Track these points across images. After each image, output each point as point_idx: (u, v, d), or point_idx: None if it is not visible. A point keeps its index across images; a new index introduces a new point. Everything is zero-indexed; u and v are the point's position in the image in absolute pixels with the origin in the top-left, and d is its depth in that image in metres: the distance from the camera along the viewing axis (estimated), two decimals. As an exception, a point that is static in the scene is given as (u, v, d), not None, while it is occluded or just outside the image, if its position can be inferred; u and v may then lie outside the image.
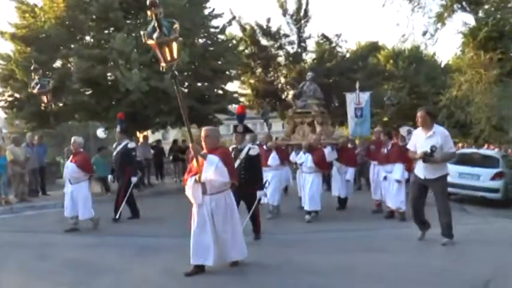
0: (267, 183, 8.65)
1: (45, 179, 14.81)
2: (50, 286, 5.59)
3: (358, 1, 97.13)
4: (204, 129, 5.68)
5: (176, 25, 5.02)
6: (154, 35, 4.96)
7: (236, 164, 6.92)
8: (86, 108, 15.67)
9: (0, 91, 16.35)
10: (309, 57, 25.02)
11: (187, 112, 15.44)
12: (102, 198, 13.56)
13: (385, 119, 26.31)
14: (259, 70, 25.28)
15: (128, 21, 16.23)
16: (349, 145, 12.31)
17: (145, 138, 17.46)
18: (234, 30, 24.11)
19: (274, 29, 24.45)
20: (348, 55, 24.62)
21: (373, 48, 25.64)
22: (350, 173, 10.80)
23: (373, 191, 10.38)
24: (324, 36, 24.39)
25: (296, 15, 23.95)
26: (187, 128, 5.71)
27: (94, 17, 15.56)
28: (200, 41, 18.25)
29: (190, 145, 5.48)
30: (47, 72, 15.54)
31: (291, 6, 24.18)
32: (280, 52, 25.13)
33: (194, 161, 5.50)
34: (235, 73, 20.59)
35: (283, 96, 25.26)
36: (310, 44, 25.31)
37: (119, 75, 14.42)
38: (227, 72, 18.58)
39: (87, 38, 16.31)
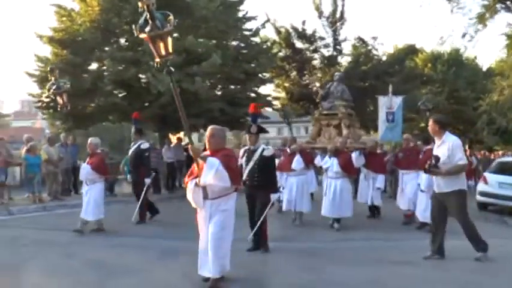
0: (282, 188, 8.33)
1: (78, 179, 15.04)
2: (71, 284, 5.61)
3: (395, 3, 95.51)
4: (210, 128, 5.32)
5: (171, 17, 4.70)
6: (147, 28, 4.62)
7: (250, 166, 6.83)
8: (118, 110, 15.87)
9: (38, 92, 16.76)
10: (344, 60, 24.63)
11: (218, 115, 15.69)
12: (133, 199, 13.70)
13: (422, 124, 25.55)
14: (294, 73, 25.04)
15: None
16: (378, 150, 11.70)
17: (179, 140, 17.50)
18: (269, 33, 24.03)
19: (309, 31, 24.19)
20: (384, 58, 24.06)
21: (410, 51, 24.97)
22: (380, 180, 10.26)
23: (399, 200, 9.88)
24: (360, 38, 23.96)
25: (332, 17, 23.59)
26: (186, 128, 5.26)
27: (127, 20, 15.74)
28: (234, 43, 18.24)
29: (189, 147, 5.13)
30: (84, 75, 15.94)
31: (327, 9, 23.87)
32: (316, 55, 24.83)
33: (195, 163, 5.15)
34: (269, 76, 20.51)
35: (317, 100, 24.92)
36: (346, 47, 24.95)
37: (150, 78, 14.53)
38: (260, 75, 18.48)
39: (121, 40, 16.51)
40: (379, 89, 20.48)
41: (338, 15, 23.49)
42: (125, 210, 9.31)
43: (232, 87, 17.47)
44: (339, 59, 24.34)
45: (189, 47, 15.32)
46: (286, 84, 24.81)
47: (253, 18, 19.04)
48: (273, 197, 6.92)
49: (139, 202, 9.45)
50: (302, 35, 24.21)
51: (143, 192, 9.46)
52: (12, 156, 13.56)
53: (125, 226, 9.11)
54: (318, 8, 23.83)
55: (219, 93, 16.61)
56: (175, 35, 17.08)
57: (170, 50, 4.76)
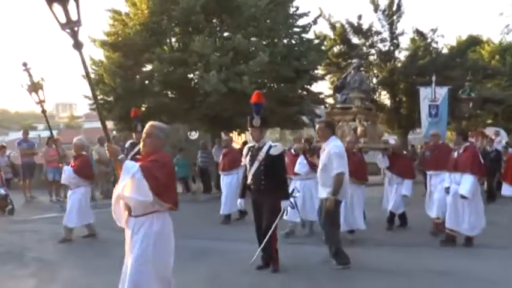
0: (295, 191, 6.73)
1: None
2: (97, 282, 5.76)
3: None
4: (149, 125, 4.08)
5: None
6: None
7: (254, 167, 5.83)
8: (168, 111, 16.11)
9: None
10: (402, 55, 23.60)
11: (268, 114, 15.46)
12: (183, 198, 13.85)
13: (490, 120, 24.00)
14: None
15: (209, 24, 16.37)
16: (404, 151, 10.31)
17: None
18: (324, 29, 23.49)
19: (365, 26, 23.39)
20: (444, 51, 22.80)
21: (473, 42, 23.46)
22: (407, 186, 8.74)
23: (428, 206, 8.62)
24: (418, 31, 22.84)
25: (388, 10, 22.67)
26: (102, 121, 4.19)
27: (176, 21, 15.94)
28: (285, 41, 17.97)
29: (106, 145, 3.91)
30: (137, 76, 16.33)
31: (383, 2, 22.96)
32: (372, 50, 23.98)
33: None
34: (320, 73, 20.04)
35: (374, 97, 24.08)
36: (404, 41, 23.88)
37: (198, 78, 14.63)
38: (311, 73, 18.08)
39: (170, 41, 16.74)
40: (438, 84, 19.42)
41: (395, 7, 22.53)
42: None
43: (282, 85, 17.16)
44: (396, 53, 23.35)
45: (238, 46, 15.27)
46: (342, 82, 24.11)
47: (305, 14, 18.64)
48: (284, 204, 5.82)
49: None
50: (358, 30, 23.44)
51: None
52: (66, 156, 14.13)
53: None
54: (373, 1, 22.98)
55: (267, 91, 16.36)
56: (225, 34, 17.19)
57: (80, 15, 3.63)
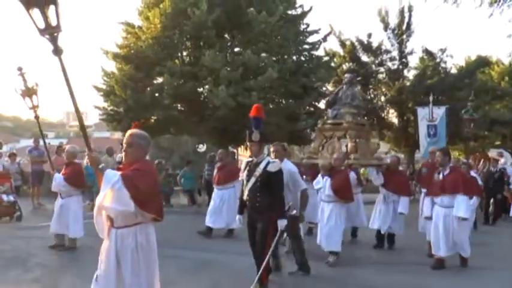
0: (291, 209, 6.48)
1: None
2: None
3: (467, 13, 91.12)
4: (128, 135, 3.92)
5: None
6: None
7: (251, 183, 5.59)
8: (177, 123, 16.33)
9: (104, 105, 17.66)
10: (411, 74, 23.69)
11: (274, 129, 15.65)
12: (188, 211, 14.02)
13: (498, 142, 23.90)
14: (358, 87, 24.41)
15: (220, 39, 16.64)
16: (400, 167, 9.69)
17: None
18: (334, 46, 23.69)
19: (375, 44, 23.56)
20: (453, 71, 22.88)
21: (482, 63, 23.52)
22: (403, 204, 8.43)
23: (422, 226, 8.34)
24: (426, 51, 22.96)
25: (398, 29, 22.85)
26: (82, 128, 4.06)
27: (188, 36, 16.22)
28: (294, 58, 18.18)
29: (86, 154, 3.83)
30: (147, 89, 16.60)
31: (393, 20, 23.13)
32: (381, 69, 24.11)
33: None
34: (329, 90, 20.19)
35: (382, 115, 24.16)
36: (413, 60, 23.99)
37: (207, 92, 14.86)
38: (319, 89, 18.25)
39: (181, 55, 17.01)
40: (446, 104, 19.46)
41: (404, 26, 22.71)
42: (180, 221, 9.47)
43: (290, 101, 17.34)
44: (405, 72, 23.45)
45: (248, 61, 15.50)
46: (351, 99, 24.19)
47: (315, 31, 18.90)
48: (281, 223, 5.48)
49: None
50: (368, 48, 23.61)
51: None
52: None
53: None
54: (384, 20, 23.14)
55: (275, 107, 16.55)
56: (236, 49, 17.45)
57: (59, 21, 3.51)
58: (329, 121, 12.24)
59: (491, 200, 12.34)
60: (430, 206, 7.23)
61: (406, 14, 22.55)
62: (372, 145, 11.86)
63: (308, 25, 18.58)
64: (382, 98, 24.08)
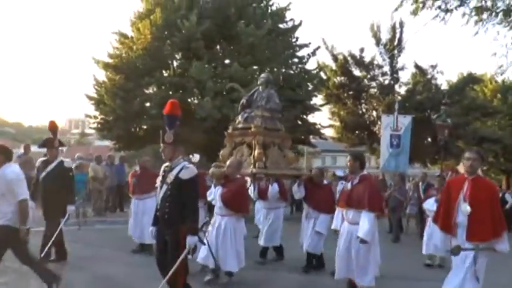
0: (206, 226, 5.91)
1: (123, 197, 15.84)
2: None
3: (457, 31, 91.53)
4: None
5: None
6: None
7: (163, 191, 4.93)
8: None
9: (94, 114, 17.97)
10: (402, 89, 23.92)
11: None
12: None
13: (490, 159, 23.91)
14: (350, 101, 24.67)
15: (209, 51, 16.94)
16: (325, 181, 8.42)
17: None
18: (326, 60, 23.98)
19: (367, 59, 23.84)
20: (443, 87, 23.09)
21: (471, 80, 23.74)
22: (322, 221, 7.54)
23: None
24: (417, 67, 23.21)
25: (389, 44, 23.12)
26: None
27: (177, 47, 16.53)
28: (283, 71, 18.43)
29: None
30: (136, 99, 16.89)
31: (385, 36, 23.42)
32: (373, 83, 24.36)
33: None
34: (321, 104, 20.46)
35: (374, 129, 24.39)
36: (405, 76, 24.24)
37: (194, 103, 15.13)
38: (307, 103, 18.49)
39: (172, 66, 17.32)
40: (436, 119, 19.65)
41: (396, 42, 22.99)
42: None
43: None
44: (396, 87, 23.69)
45: (234, 74, 15.76)
46: (342, 113, 24.46)
47: (305, 45, 19.20)
48: (190, 241, 4.71)
49: (53, 239, 7.30)
50: (360, 63, 23.89)
51: (61, 224, 7.42)
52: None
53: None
54: (375, 35, 23.43)
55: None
56: (226, 61, 17.71)
57: None
58: (239, 126, 11.01)
59: None
60: (341, 219, 6.22)
61: (398, 30, 22.85)
62: (288, 154, 10.60)
63: (297, 38, 18.89)
64: (374, 113, 24.32)
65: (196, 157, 7.96)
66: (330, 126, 24.39)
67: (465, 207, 4.75)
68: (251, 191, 8.57)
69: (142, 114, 16.12)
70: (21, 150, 15.37)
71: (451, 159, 22.82)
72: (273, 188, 8.25)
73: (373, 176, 8.23)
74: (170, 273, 4.71)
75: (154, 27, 16.12)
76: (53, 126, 7.75)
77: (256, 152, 9.78)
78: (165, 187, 4.90)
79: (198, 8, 16.40)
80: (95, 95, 17.60)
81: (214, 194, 6.82)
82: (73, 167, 12.89)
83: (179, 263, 4.70)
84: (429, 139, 22.29)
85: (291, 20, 19.17)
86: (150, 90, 16.84)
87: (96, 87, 17.45)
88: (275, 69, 17.72)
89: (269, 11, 18.63)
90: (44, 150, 7.75)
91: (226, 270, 6.63)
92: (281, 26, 18.89)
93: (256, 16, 17.23)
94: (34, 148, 20.08)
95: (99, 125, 17.87)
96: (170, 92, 16.14)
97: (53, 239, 7.22)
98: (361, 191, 5.71)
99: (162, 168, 5.05)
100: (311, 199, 7.75)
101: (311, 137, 20.17)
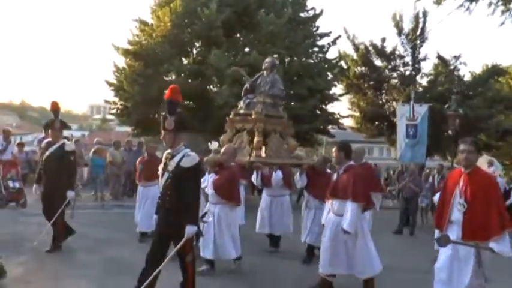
0: (207, 215, 5.92)
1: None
2: (79, 275, 6.16)
3: (482, 20, 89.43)
4: None
5: None
6: None
7: (164, 179, 4.81)
8: (183, 120, 16.67)
9: (113, 100, 18.17)
10: (424, 80, 23.55)
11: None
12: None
13: None
14: (370, 92, 24.39)
15: (229, 39, 16.90)
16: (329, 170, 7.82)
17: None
18: (347, 49, 23.72)
19: (389, 49, 23.49)
20: (467, 78, 22.64)
21: (496, 72, 23.19)
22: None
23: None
24: (440, 57, 22.79)
25: (412, 34, 22.74)
26: None
27: (197, 35, 16.54)
28: (303, 59, 18.31)
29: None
30: (156, 85, 16.97)
31: (407, 26, 23.03)
32: (394, 74, 24.03)
33: None
34: (340, 93, 20.28)
35: (394, 120, 24.11)
36: (427, 67, 23.89)
37: (212, 90, 15.16)
38: (326, 92, 18.36)
39: (190, 54, 17.36)
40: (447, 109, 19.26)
41: (418, 32, 22.59)
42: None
43: (293, 103, 17.48)
44: (418, 78, 23.32)
45: (254, 62, 15.70)
46: (362, 103, 24.20)
47: (326, 34, 19.04)
48: (189, 230, 4.56)
49: (52, 220, 7.24)
50: (381, 53, 23.58)
51: (61, 208, 7.26)
52: (83, 157, 14.88)
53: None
54: (398, 25, 23.08)
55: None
56: (246, 49, 17.67)
57: None
58: (241, 111, 10.77)
59: None
60: (327, 212, 5.87)
61: (421, 20, 22.44)
62: (290, 142, 10.32)
63: (318, 27, 18.72)
64: (394, 104, 24.01)
65: (214, 145, 7.95)
66: (350, 116, 24.19)
67: (460, 203, 4.46)
68: (254, 179, 8.46)
69: (161, 100, 16.11)
70: (42, 134, 15.65)
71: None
72: (277, 175, 8.09)
73: (371, 165, 8.13)
74: (163, 263, 4.65)
75: (174, 14, 16.14)
76: (54, 107, 7.44)
77: (255, 140, 9.59)
78: (166, 175, 4.78)
79: (218, -4, 16.38)
80: (115, 81, 17.76)
81: (207, 181, 6.66)
82: (92, 151, 13.18)
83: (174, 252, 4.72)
84: (450, 131, 21.97)
85: (312, 8, 19.05)
86: (170, 78, 16.88)
87: (116, 73, 17.60)
88: (295, 58, 17.66)
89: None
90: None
91: (232, 258, 6.60)
92: (302, 14, 18.78)
93: (277, 4, 17.12)
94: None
95: (118, 111, 18.06)
96: (189, 80, 16.22)
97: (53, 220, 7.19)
98: (345, 181, 5.51)
99: (164, 156, 4.92)
100: (312, 187, 7.46)
101: (330, 126, 19.99)
